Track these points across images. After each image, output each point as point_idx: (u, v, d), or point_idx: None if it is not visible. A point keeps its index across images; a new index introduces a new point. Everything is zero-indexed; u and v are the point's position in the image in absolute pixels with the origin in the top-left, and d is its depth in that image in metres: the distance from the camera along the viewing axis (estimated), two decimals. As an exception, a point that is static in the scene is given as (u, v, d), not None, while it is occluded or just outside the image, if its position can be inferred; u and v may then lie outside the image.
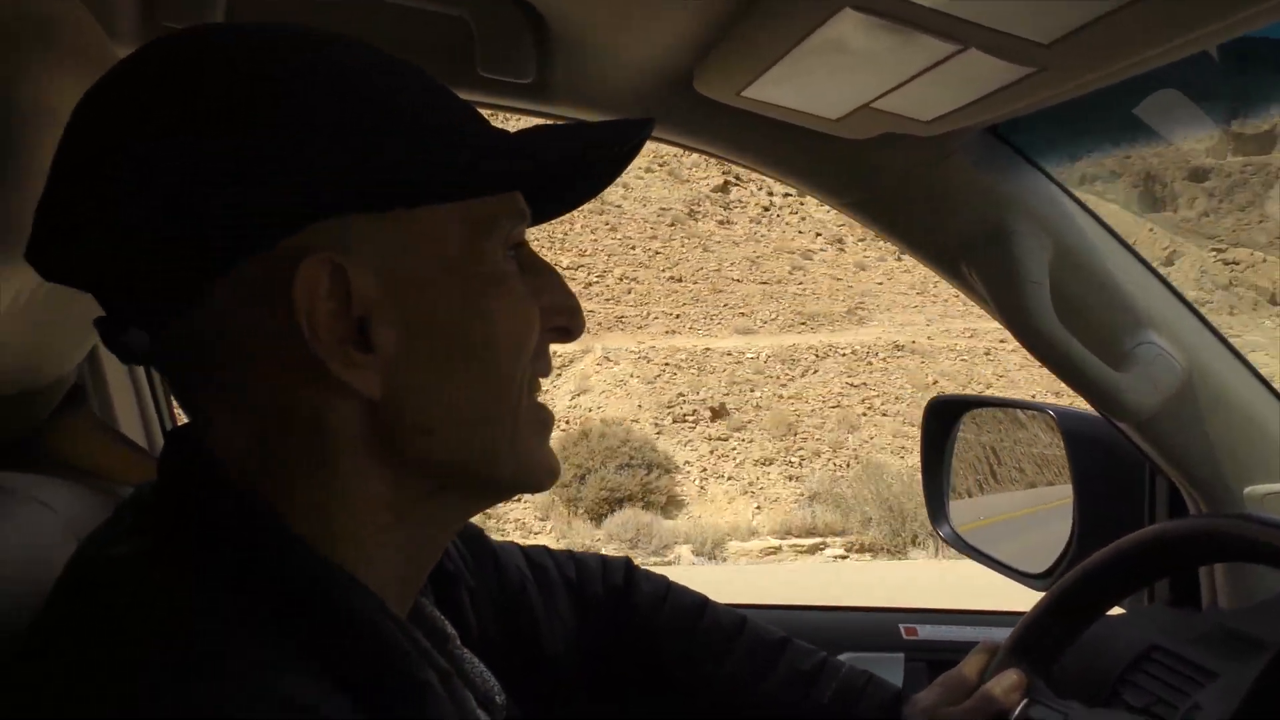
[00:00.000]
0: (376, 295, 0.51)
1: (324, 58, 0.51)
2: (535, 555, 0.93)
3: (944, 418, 1.34)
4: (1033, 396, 16.91)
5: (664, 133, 0.95)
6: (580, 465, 14.44)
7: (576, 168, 0.59)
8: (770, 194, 25.71)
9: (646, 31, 0.82)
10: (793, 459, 14.98)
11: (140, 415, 1.10)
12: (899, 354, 18.58)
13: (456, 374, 0.54)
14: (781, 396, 16.87)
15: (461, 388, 0.54)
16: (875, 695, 0.89)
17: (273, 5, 0.87)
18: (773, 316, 20.70)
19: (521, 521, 14.31)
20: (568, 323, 0.60)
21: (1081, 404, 1.16)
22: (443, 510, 0.58)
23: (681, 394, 16.83)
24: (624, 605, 0.93)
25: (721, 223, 24.68)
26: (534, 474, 0.59)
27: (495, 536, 0.90)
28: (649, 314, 20.07)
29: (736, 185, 25.76)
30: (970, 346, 19.17)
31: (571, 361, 18.02)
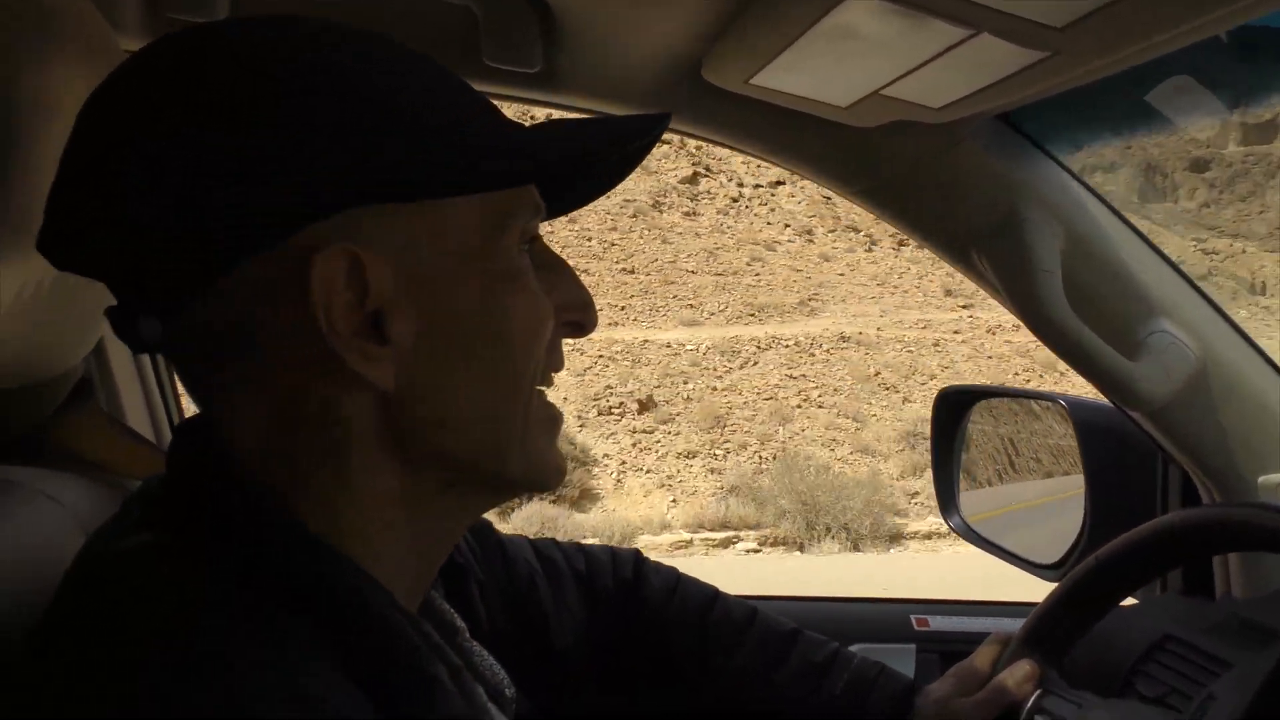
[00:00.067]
0: (392, 288, 0.50)
1: (325, 57, 0.50)
2: (544, 548, 0.93)
3: (954, 408, 1.33)
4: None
5: (672, 122, 0.94)
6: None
7: (577, 168, 0.58)
8: (740, 185, 25.47)
9: (654, 19, 0.81)
10: (717, 452, 14.81)
11: (148, 409, 1.10)
12: (843, 345, 18.42)
13: (470, 368, 0.54)
14: (715, 389, 16.66)
15: (475, 382, 0.54)
16: (888, 686, 0.89)
17: (278, -3, 0.86)
18: (721, 308, 20.48)
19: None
20: (581, 318, 0.60)
21: (1088, 393, 1.15)
22: (453, 506, 0.58)
23: (610, 386, 16.58)
24: (633, 598, 0.92)
25: (687, 214, 24.45)
26: (542, 472, 0.59)
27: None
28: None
29: (706, 176, 25.53)
30: (920, 338, 18.98)
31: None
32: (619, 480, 14.65)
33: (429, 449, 0.54)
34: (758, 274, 22.28)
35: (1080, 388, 1.06)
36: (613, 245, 22.53)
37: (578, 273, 0.62)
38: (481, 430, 0.55)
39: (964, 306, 21.22)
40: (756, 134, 0.95)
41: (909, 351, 18.23)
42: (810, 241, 23.97)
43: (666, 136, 0.60)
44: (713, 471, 14.43)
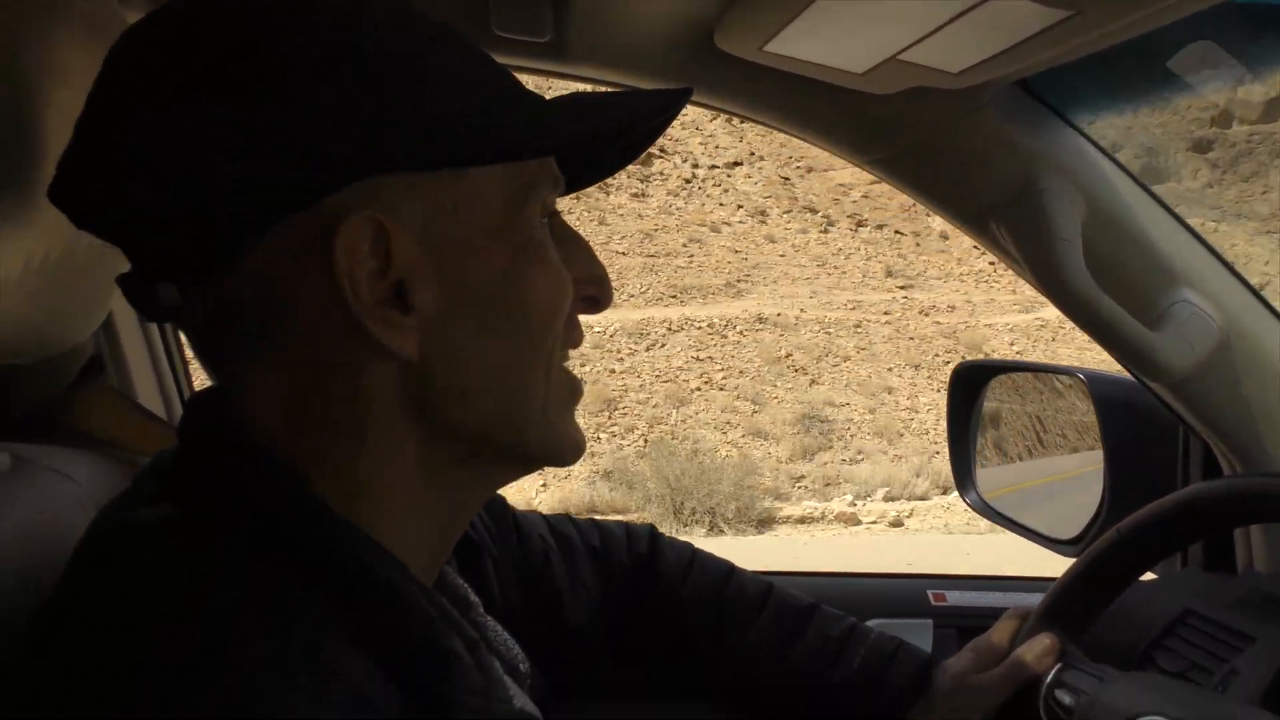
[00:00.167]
0: (416, 257, 0.50)
1: (338, 24, 0.49)
2: (558, 524, 0.92)
3: (970, 384, 1.31)
4: (890, 369, 16.48)
5: (684, 91, 0.93)
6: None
7: (606, 143, 0.58)
8: (695, 166, 25.02)
9: (666, -15, 0.80)
10: (601, 435, 14.56)
11: (159, 386, 1.10)
12: (759, 327, 18.06)
13: (492, 339, 0.54)
14: (614, 371, 16.37)
15: (497, 352, 0.54)
16: (905, 661, 0.88)
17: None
18: (643, 290, 20.12)
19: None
20: (597, 292, 0.60)
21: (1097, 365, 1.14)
22: (471, 479, 0.58)
23: (504, 367, 16.62)
24: (649, 574, 0.92)
25: (635, 195, 23.95)
26: (560, 446, 0.59)
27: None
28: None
29: (660, 157, 25.17)
30: (842, 319, 18.66)
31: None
32: (497, 463, 14.67)
33: (449, 420, 0.54)
34: (692, 256, 21.96)
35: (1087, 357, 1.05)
36: (546, 226, 22.17)
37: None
38: (502, 401, 0.55)
39: (902, 287, 20.93)
40: (770, 103, 0.94)
41: (826, 333, 17.98)
42: (762, 223, 23.58)
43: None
44: (591, 455, 14.33)
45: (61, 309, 0.70)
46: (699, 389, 16.29)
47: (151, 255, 0.51)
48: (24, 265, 0.62)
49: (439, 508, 0.57)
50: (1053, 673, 0.82)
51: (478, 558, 0.80)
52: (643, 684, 0.98)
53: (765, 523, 11.43)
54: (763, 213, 23.68)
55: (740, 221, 23.38)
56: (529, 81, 0.62)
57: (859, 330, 18.17)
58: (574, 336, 0.60)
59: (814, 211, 24.05)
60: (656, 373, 16.65)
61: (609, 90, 0.58)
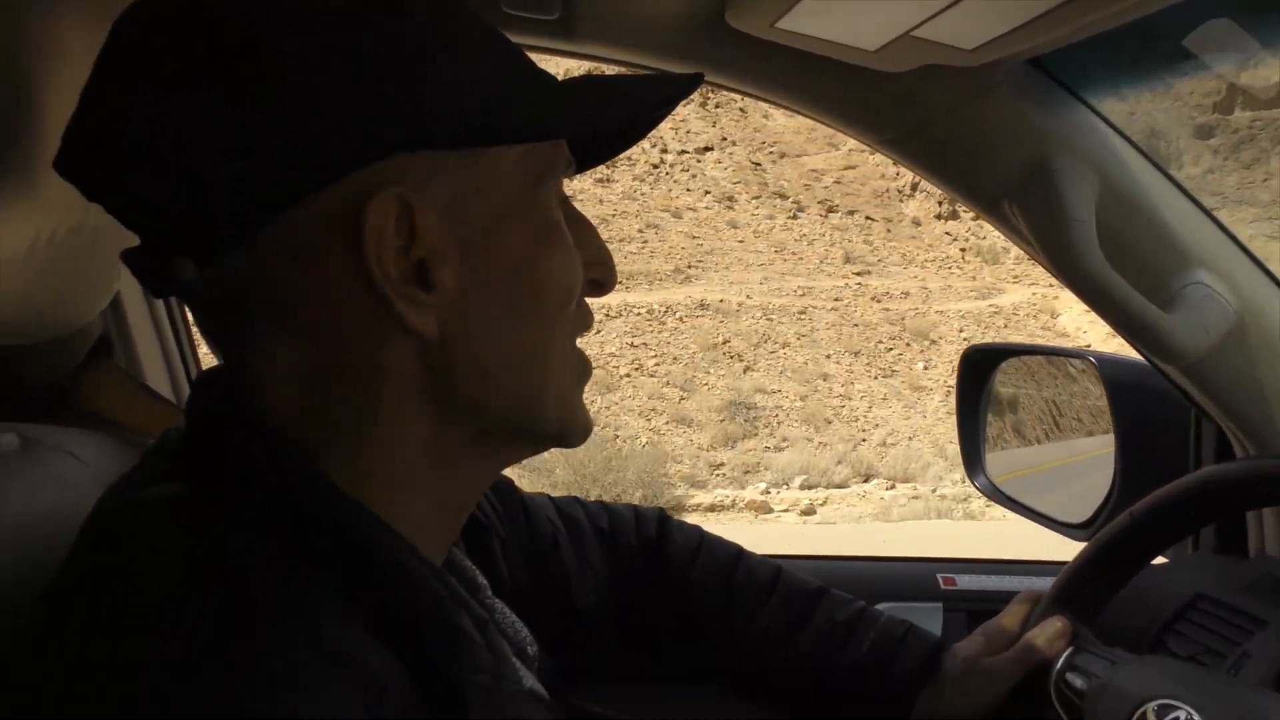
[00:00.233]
0: (439, 236, 0.50)
1: (338, 26, 0.48)
2: (566, 506, 0.92)
3: (979, 367, 1.31)
4: (828, 356, 16.34)
5: (694, 70, 0.92)
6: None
7: (625, 127, 0.59)
8: (664, 151, 24.85)
9: (676, -39, 0.79)
10: None
11: (166, 367, 1.10)
12: (700, 314, 17.96)
13: (511, 318, 0.54)
14: None
15: (515, 332, 0.54)
16: (915, 645, 0.88)
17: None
18: None
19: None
20: (602, 275, 0.61)
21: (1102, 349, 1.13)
22: (481, 458, 0.58)
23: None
24: (657, 557, 0.92)
25: (600, 180, 23.87)
26: (573, 426, 0.59)
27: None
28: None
29: None
30: (788, 305, 18.54)
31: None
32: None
33: (466, 400, 0.54)
34: (646, 241, 21.86)
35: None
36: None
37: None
38: (519, 381, 0.55)
39: (858, 274, 20.73)
40: (781, 82, 0.93)
41: (769, 319, 17.84)
42: (729, 208, 23.43)
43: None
44: (505, 443, 14.41)
45: (69, 288, 0.70)
46: (628, 375, 16.31)
47: (161, 235, 0.50)
48: (31, 244, 0.62)
49: (449, 487, 0.57)
50: (1064, 656, 0.82)
51: (485, 538, 0.79)
52: (651, 667, 0.98)
53: (673, 510, 11.46)
54: (730, 198, 23.54)
55: (707, 208, 23.19)
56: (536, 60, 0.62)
57: (803, 317, 18.07)
58: (585, 319, 0.60)
59: (784, 197, 23.87)
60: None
61: (617, 74, 0.58)
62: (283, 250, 0.48)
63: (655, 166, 24.18)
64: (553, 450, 0.61)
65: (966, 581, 1.16)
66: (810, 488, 11.74)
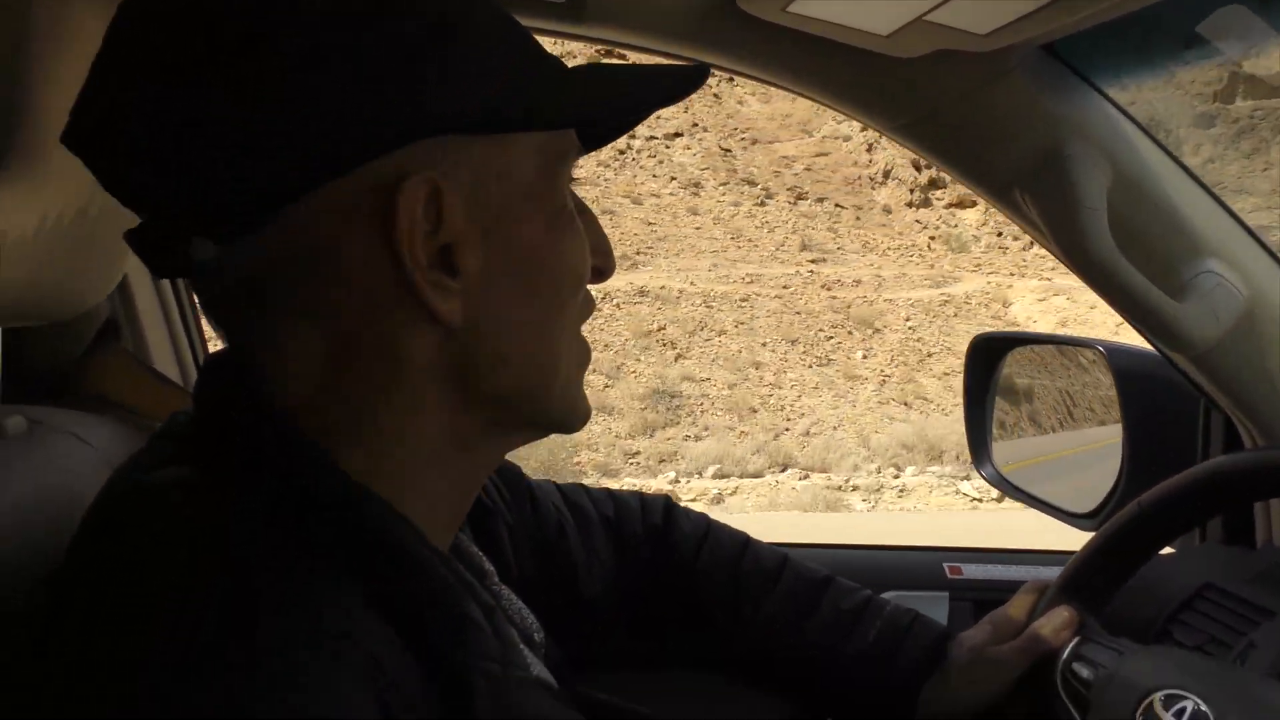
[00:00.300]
0: (465, 221, 0.50)
1: (339, 25, 0.47)
2: (572, 493, 0.92)
3: (988, 356, 1.30)
4: (764, 344, 16.04)
5: (704, 55, 0.91)
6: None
7: (639, 111, 0.59)
8: (632, 137, 24.22)
9: (687, -57, 0.78)
10: None
11: (174, 351, 1.10)
12: (638, 300, 17.59)
13: (528, 305, 0.54)
14: None
15: (532, 319, 0.55)
16: (921, 634, 0.88)
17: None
18: None
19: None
20: (603, 263, 0.61)
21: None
22: (490, 444, 0.58)
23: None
24: (663, 545, 0.92)
25: None
26: (575, 413, 0.60)
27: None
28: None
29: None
30: (731, 292, 18.13)
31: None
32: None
33: (483, 385, 0.54)
34: None
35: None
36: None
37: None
38: (534, 367, 0.56)
39: (812, 261, 20.34)
40: (793, 67, 0.92)
41: (708, 307, 17.51)
42: (695, 195, 22.97)
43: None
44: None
45: (77, 270, 0.70)
46: (551, 362, 16.29)
47: (162, 228, 0.50)
48: (39, 226, 0.61)
49: (458, 472, 0.56)
50: (1070, 646, 0.82)
51: (492, 524, 0.79)
52: (658, 655, 0.98)
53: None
54: (697, 185, 23.16)
55: (671, 194, 22.85)
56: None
57: (744, 304, 17.77)
58: (589, 305, 0.60)
59: (753, 184, 23.50)
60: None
61: (616, 64, 0.58)
62: (307, 232, 0.48)
63: (621, 152, 23.86)
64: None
65: (973, 571, 1.16)
66: (723, 477, 11.58)
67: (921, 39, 0.80)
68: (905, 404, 14.69)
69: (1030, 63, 0.88)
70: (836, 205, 22.88)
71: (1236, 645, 0.85)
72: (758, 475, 11.69)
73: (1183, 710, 0.70)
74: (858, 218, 22.55)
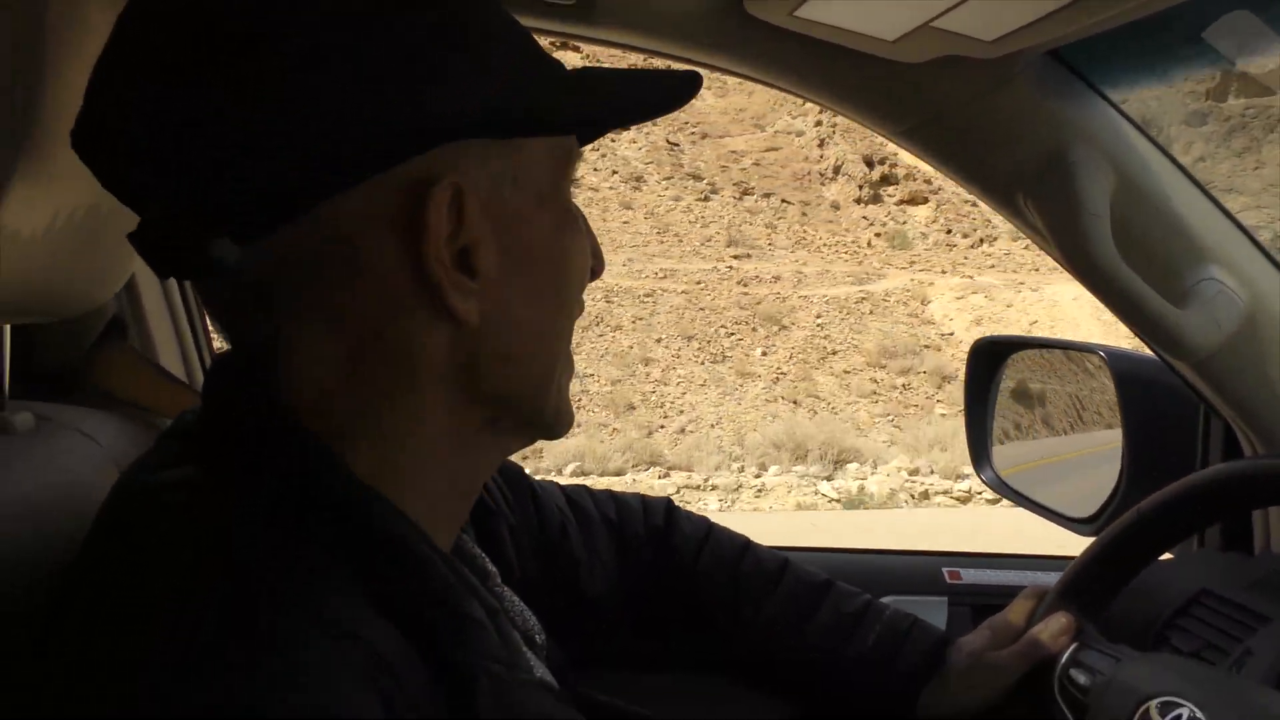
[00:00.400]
0: (481, 224, 0.51)
1: (340, 26, 0.47)
2: (575, 495, 0.92)
3: (989, 359, 1.30)
4: (659, 340, 15.72)
5: (710, 57, 0.91)
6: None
7: (636, 117, 0.59)
8: None
9: (695, -53, 0.78)
10: None
11: (179, 348, 1.10)
12: None
13: (538, 306, 0.55)
14: None
15: (541, 320, 0.56)
16: (920, 639, 0.88)
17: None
18: None
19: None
20: (596, 264, 0.62)
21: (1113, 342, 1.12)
22: (491, 445, 0.58)
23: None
24: (664, 546, 0.92)
25: None
26: (563, 418, 0.60)
27: None
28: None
29: None
30: (636, 288, 17.82)
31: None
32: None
33: (490, 385, 0.54)
34: None
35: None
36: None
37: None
38: (538, 368, 0.57)
39: (736, 257, 19.89)
40: (799, 71, 0.92)
41: (609, 302, 17.16)
42: (636, 189, 22.45)
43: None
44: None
45: (86, 267, 0.70)
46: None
47: (164, 230, 0.49)
48: (49, 224, 0.61)
49: (458, 473, 0.57)
50: (1068, 652, 0.82)
51: (495, 524, 0.79)
52: (660, 655, 0.98)
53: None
54: (639, 179, 22.77)
55: (611, 188, 22.47)
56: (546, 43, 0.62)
57: (647, 300, 17.45)
58: (581, 307, 0.61)
59: (698, 179, 23.09)
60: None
61: (608, 68, 0.58)
62: (326, 234, 0.48)
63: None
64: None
65: (972, 575, 1.16)
66: (583, 475, 11.33)
67: (928, 44, 0.80)
68: (794, 402, 14.33)
69: (1036, 67, 0.88)
70: (783, 201, 22.46)
71: (1233, 652, 0.86)
72: (619, 474, 11.45)
73: (1179, 717, 0.71)
74: (804, 214, 22.14)
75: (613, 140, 23.76)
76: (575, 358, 0.62)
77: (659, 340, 16.00)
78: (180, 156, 0.46)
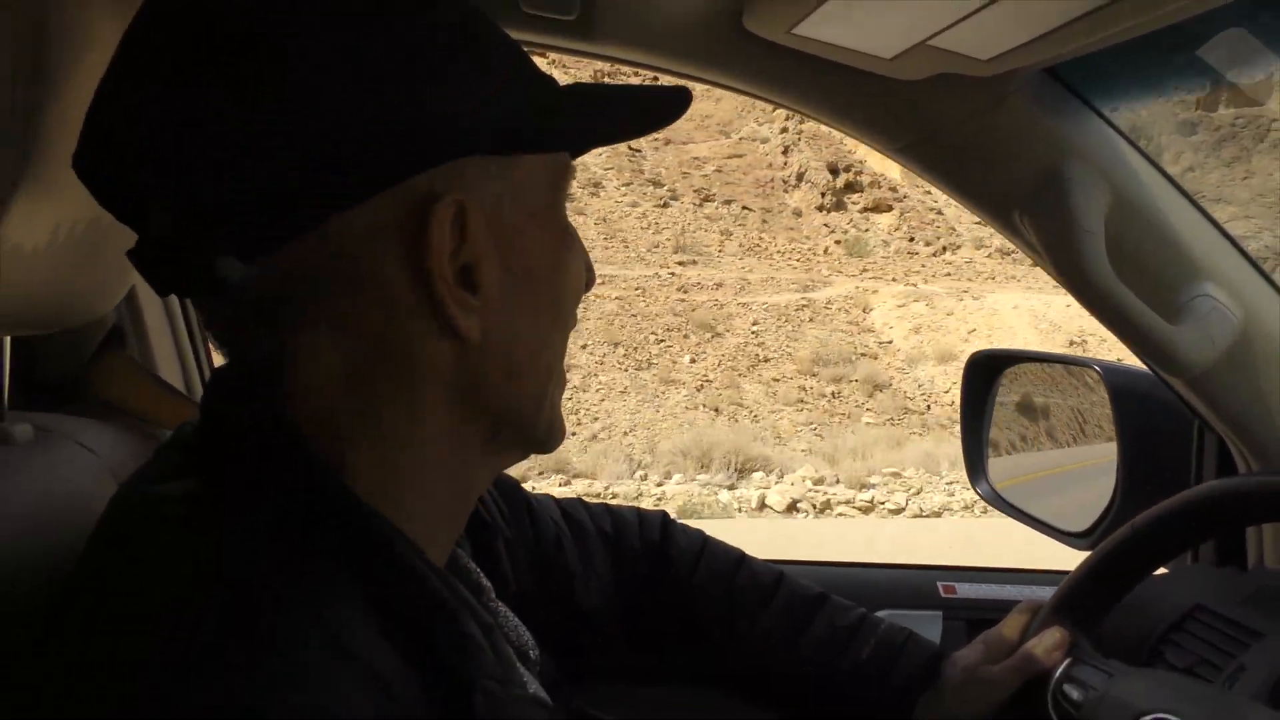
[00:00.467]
0: (483, 240, 0.51)
1: (341, 28, 0.48)
2: (570, 508, 0.93)
3: (985, 373, 1.31)
4: (584, 346, 15.37)
5: (709, 74, 0.92)
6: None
7: (632, 132, 0.60)
8: None
9: (694, -36, 0.79)
10: None
11: (179, 359, 1.10)
12: None
13: (536, 321, 0.56)
14: None
15: (539, 335, 0.56)
16: (915, 653, 0.88)
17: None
18: None
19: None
20: (589, 277, 0.62)
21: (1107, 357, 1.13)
22: (488, 459, 0.59)
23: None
24: (660, 560, 0.92)
25: None
26: (555, 431, 0.61)
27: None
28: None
29: None
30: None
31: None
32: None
33: (490, 400, 0.55)
34: None
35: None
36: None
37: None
38: (535, 383, 0.57)
39: (680, 263, 19.62)
40: (797, 87, 0.92)
41: None
42: (594, 195, 22.17)
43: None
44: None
45: (88, 280, 0.70)
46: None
47: (166, 237, 0.49)
48: (51, 236, 0.62)
49: (453, 487, 0.57)
50: (1062, 667, 0.82)
51: (490, 539, 0.79)
52: (656, 669, 0.98)
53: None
54: (598, 184, 22.53)
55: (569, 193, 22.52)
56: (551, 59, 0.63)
57: (580, 305, 17.26)
58: (574, 320, 0.62)
59: (658, 185, 22.88)
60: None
61: (600, 83, 0.59)
62: (330, 249, 0.48)
63: (522, 150, 23.32)
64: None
65: (966, 590, 1.16)
66: None
67: (925, 63, 0.81)
68: (716, 410, 14.07)
69: (1032, 85, 0.88)
70: (743, 208, 22.28)
71: (1226, 667, 0.86)
72: (521, 480, 11.45)
73: None
74: (764, 221, 21.94)
75: (575, 146, 23.63)
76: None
77: (584, 346, 15.68)
78: (180, 156, 0.46)
